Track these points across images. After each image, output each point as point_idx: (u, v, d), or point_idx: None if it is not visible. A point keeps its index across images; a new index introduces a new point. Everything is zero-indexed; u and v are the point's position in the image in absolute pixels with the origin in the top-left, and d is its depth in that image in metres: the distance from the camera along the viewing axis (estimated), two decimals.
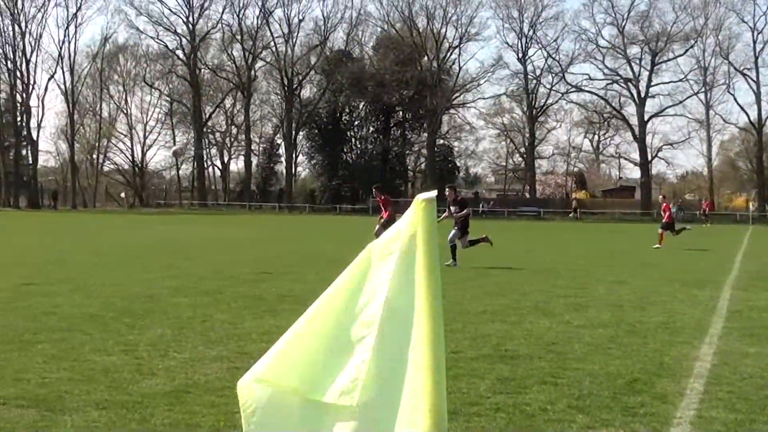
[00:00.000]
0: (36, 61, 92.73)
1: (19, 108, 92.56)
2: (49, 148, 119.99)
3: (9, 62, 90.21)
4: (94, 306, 12.68)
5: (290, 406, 2.57)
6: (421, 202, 2.43)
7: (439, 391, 2.35)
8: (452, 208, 22.96)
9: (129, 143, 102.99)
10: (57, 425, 6.35)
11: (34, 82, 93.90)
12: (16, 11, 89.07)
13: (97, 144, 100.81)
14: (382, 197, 25.00)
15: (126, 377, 7.92)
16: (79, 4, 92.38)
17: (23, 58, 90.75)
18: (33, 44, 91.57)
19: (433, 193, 2.49)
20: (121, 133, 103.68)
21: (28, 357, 8.79)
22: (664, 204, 35.05)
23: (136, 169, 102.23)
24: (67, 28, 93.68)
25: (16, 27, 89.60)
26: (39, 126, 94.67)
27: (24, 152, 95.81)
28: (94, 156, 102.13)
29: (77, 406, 6.85)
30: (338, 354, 2.51)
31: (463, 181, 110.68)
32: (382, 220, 24.01)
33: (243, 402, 2.59)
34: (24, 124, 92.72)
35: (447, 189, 23.63)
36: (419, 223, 2.42)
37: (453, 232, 22.61)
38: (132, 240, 32.57)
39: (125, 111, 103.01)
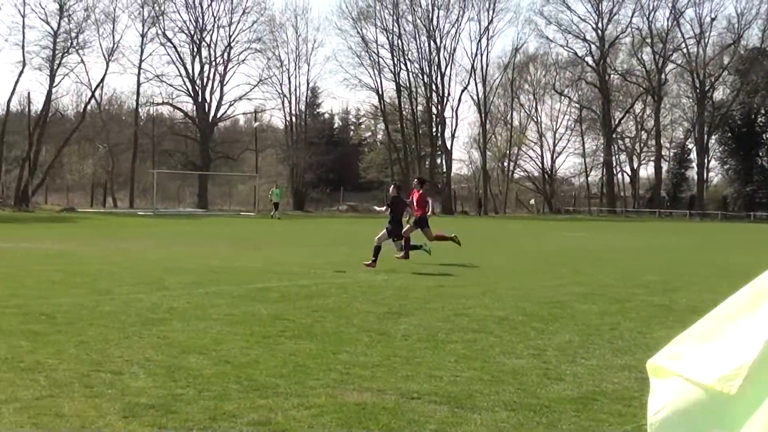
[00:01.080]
0: (450, 74, 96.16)
1: (434, 119, 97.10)
2: (462, 157, 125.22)
3: (425, 76, 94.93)
4: (504, 309, 12.94)
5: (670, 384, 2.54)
6: None
7: None
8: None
9: (539, 150, 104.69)
10: (467, 422, 6.52)
11: (449, 94, 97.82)
12: (431, 28, 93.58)
13: (507, 152, 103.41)
14: (420, 192, 22.17)
15: (534, 380, 8.00)
16: (490, 18, 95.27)
17: (438, 72, 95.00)
18: (447, 58, 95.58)
19: None
20: (531, 141, 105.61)
21: (440, 356, 9.13)
22: None
23: (546, 176, 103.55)
24: (480, 41, 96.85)
25: (432, 43, 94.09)
26: (453, 136, 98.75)
27: (438, 161, 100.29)
28: (505, 164, 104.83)
29: (486, 406, 7.00)
30: (728, 340, 2.40)
31: None
32: (413, 219, 21.92)
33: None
34: (439, 134, 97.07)
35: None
36: None
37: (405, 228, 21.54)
38: (541, 245, 32.98)
39: (535, 119, 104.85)
